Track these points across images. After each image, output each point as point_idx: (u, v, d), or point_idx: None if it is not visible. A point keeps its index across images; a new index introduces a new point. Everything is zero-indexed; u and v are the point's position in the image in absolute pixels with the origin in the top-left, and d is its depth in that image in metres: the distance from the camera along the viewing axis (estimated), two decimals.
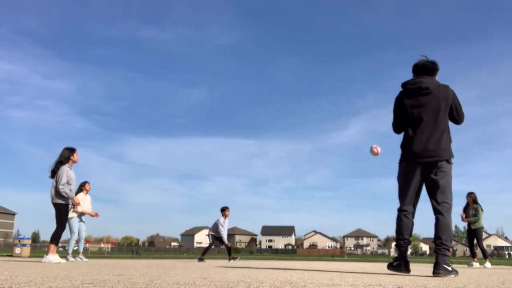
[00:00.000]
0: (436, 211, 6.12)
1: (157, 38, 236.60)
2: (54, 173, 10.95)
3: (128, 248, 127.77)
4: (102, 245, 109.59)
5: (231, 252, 17.58)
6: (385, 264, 8.14)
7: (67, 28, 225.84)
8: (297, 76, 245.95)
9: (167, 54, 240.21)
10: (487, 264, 15.13)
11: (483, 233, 16.02)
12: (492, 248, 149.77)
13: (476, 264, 15.41)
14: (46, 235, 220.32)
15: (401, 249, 6.39)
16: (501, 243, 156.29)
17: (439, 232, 6.00)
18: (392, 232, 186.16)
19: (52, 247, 10.86)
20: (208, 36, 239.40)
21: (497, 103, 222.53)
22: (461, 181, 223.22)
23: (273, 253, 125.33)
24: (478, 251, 15.86)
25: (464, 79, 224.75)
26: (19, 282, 3.79)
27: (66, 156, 11.12)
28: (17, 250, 22.12)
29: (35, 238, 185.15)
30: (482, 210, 15.58)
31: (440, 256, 5.86)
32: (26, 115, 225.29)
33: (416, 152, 6.21)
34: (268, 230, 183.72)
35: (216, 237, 17.47)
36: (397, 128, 6.59)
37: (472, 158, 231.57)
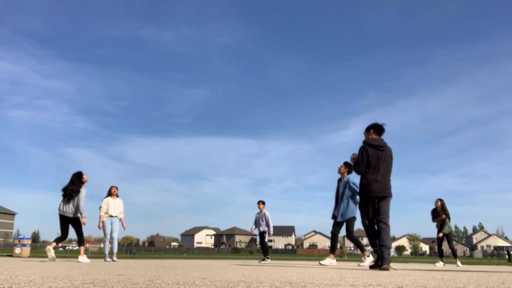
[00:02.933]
0: (382, 224, 8.46)
1: (158, 37, 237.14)
2: (71, 196, 13.12)
3: (128, 248, 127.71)
4: (102, 245, 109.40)
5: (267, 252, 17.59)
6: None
7: (68, 28, 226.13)
8: (298, 76, 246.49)
9: (168, 54, 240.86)
10: (458, 263, 16.17)
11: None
12: (492, 248, 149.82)
13: (440, 264, 16.22)
14: (46, 235, 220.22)
15: (385, 252, 8.21)
16: (501, 243, 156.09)
17: (385, 237, 8.32)
18: (392, 232, 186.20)
19: (82, 249, 13.69)
20: (209, 36, 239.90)
21: (498, 103, 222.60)
22: (461, 181, 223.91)
23: (273, 253, 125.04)
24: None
25: (465, 79, 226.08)
26: (19, 282, 3.79)
27: (79, 182, 13.45)
28: (17, 250, 22.17)
29: (35, 238, 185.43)
30: (449, 218, 16.81)
31: (386, 253, 8.11)
32: (26, 115, 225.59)
33: (375, 191, 8.53)
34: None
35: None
36: (363, 169, 8.74)
37: (473, 158, 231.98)
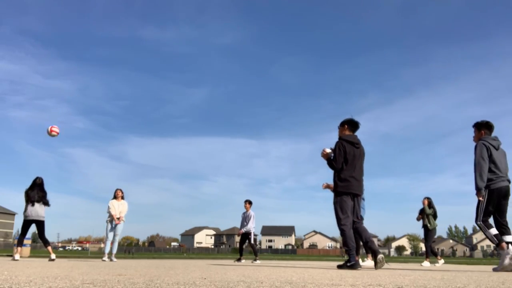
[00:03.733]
0: (358, 222, 8.56)
1: (158, 37, 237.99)
2: (42, 197, 14.17)
3: (128, 248, 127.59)
4: (102, 245, 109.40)
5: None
6: (386, 265, 8.34)
7: (68, 28, 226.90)
8: (298, 76, 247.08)
9: (168, 54, 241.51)
10: (426, 263, 16.09)
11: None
12: (492, 248, 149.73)
13: (427, 264, 16.27)
14: (46, 235, 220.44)
15: (352, 252, 8.30)
16: None
17: (366, 233, 8.56)
18: (392, 232, 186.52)
19: (50, 248, 14.35)
20: (209, 36, 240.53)
21: (499, 102, 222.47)
22: (462, 181, 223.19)
23: (273, 253, 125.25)
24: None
25: (465, 78, 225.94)
26: (19, 282, 3.79)
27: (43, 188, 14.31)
28: None
29: (35, 238, 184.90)
30: (436, 216, 17.06)
31: (375, 246, 8.40)
32: (27, 115, 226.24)
33: (354, 188, 8.46)
34: (268, 230, 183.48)
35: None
36: (339, 166, 8.58)
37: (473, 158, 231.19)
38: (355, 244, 8.40)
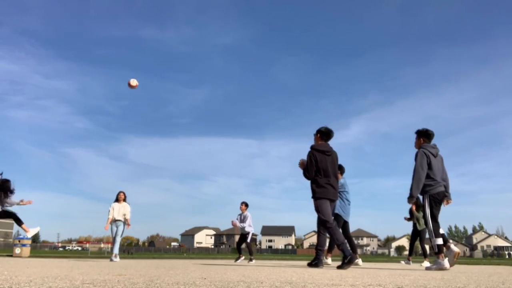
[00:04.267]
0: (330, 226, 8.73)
1: (159, 37, 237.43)
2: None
3: (127, 248, 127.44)
4: (102, 245, 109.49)
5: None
6: (386, 264, 8.38)
7: (68, 28, 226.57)
8: (299, 76, 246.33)
9: (169, 54, 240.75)
10: (425, 263, 15.60)
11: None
12: (492, 248, 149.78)
13: (426, 263, 16.17)
14: (46, 235, 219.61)
15: (322, 252, 9.37)
16: (501, 243, 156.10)
17: (339, 235, 8.70)
18: (392, 232, 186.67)
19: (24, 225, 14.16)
20: (210, 36, 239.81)
21: (500, 103, 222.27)
22: (462, 181, 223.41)
23: (273, 253, 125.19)
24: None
25: (466, 79, 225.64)
26: (19, 282, 3.79)
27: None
28: (17, 250, 22.17)
29: (35, 238, 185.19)
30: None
31: (347, 248, 8.49)
32: (27, 115, 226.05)
33: (330, 194, 8.86)
34: (268, 230, 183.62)
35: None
36: (312, 175, 8.93)
37: (474, 159, 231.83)
38: (344, 240, 8.79)
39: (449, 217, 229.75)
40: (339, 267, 8.40)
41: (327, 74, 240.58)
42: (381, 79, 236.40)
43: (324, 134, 9.27)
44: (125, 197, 16.33)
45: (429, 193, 9.33)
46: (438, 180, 9.38)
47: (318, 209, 8.87)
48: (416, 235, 17.13)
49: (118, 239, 15.93)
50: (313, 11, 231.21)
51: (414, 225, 17.03)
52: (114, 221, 15.84)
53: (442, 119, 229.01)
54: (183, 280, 4.24)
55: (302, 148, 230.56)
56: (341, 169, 13.53)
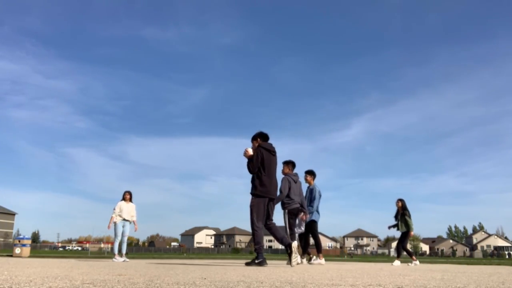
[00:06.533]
0: (271, 221, 9.43)
1: (160, 37, 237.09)
2: None
3: (129, 249, 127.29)
4: (102, 245, 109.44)
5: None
6: (386, 264, 8.38)
7: (69, 28, 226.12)
8: (300, 76, 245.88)
9: (169, 54, 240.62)
10: (396, 262, 15.93)
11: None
12: (492, 248, 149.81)
13: (416, 263, 16.42)
14: (46, 235, 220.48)
15: (261, 250, 9.19)
16: (501, 243, 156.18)
17: (278, 232, 9.22)
18: (392, 232, 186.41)
19: None
20: (211, 36, 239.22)
21: (500, 103, 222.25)
22: (462, 181, 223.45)
23: (273, 253, 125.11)
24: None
25: (467, 78, 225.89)
26: (19, 282, 3.79)
27: None
28: (17, 250, 22.14)
29: (35, 238, 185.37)
30: (410, 217, 16.63)
31: (261, 254, 9.12)
32: (28, 115, 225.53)
33: (269, 191, 9.26)
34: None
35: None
36: (255, 170, 9.37)
37: (474, 158, 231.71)
38: (263, 243, 9.73)
39: (449, 217, 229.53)
40: (247, 264, 9.29)
41: (329, 74, 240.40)
42: (383, 79, 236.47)
43: (263, 137, 9.78)
44: (131, 196, 16.26)
45: (288, 208, 12.43)
46: (295, 199, 12.48)
47: (252, 208, 9.18)
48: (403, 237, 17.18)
49: (126, 239, 15.93)
50: (314, 11, 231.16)
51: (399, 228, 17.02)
52: (123, 220, 15.80)
53: (443, 118, 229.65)
54: (183, 280, 4.24)
55: (303, 148, 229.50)
56: (312, 174, 14.11)
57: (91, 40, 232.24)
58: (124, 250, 15.80)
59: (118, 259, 15.25)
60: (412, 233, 16.83)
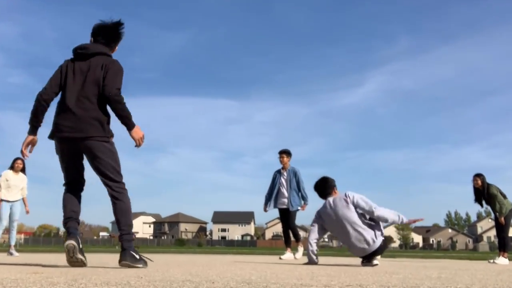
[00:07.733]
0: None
1: None
2: None
3: (46, 240, 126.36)
4: None
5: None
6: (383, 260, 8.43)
7: None
8: (311, 14, 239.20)
9: None
10: (501, 260, 15.34)
11: None
12: (493, 238, 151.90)
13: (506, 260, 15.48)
14: None
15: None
16: None
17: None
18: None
19: None
20: None
21: None
22: (491, 154, 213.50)
23: (227, 245, 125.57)
24: None
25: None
26: None
27: None
28: None
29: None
30: (499, 192, 15.70)
31: (125, 242, 6.40)
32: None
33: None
34: (220, 217, 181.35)
35: None
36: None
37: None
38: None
39: (448, 201, 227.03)
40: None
41: (348, 10, 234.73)
42: (420, 19, 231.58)
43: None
44: (24, 166, 14.66)
45: None
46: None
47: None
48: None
49: (15, 225, 14.56)
50: None
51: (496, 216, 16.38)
52: (7, 200, 14.21)
53: (488, 72, 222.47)
54: (114, 280, 4.22)
55: (296, 111, 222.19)
56: (288, 153, 14.44)
57: None
58: (13, 241, 14.56)
59: (14, 252, 14.08)
60: (502, 219, 15.94)
